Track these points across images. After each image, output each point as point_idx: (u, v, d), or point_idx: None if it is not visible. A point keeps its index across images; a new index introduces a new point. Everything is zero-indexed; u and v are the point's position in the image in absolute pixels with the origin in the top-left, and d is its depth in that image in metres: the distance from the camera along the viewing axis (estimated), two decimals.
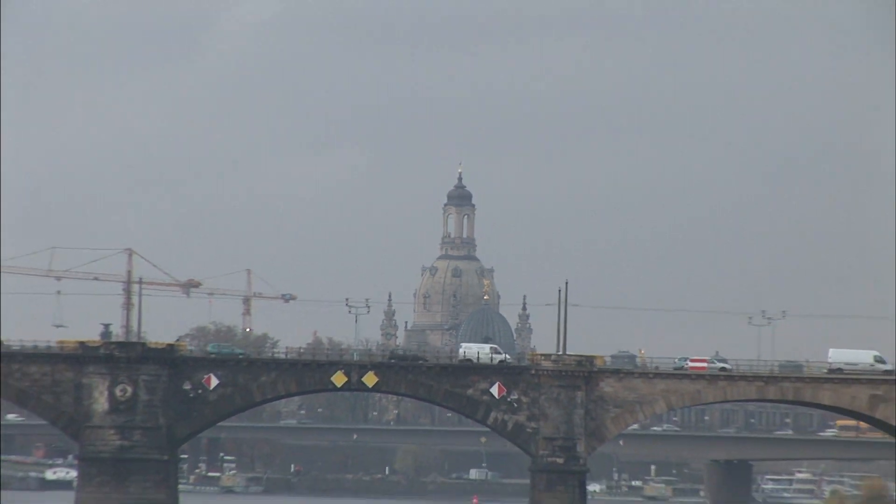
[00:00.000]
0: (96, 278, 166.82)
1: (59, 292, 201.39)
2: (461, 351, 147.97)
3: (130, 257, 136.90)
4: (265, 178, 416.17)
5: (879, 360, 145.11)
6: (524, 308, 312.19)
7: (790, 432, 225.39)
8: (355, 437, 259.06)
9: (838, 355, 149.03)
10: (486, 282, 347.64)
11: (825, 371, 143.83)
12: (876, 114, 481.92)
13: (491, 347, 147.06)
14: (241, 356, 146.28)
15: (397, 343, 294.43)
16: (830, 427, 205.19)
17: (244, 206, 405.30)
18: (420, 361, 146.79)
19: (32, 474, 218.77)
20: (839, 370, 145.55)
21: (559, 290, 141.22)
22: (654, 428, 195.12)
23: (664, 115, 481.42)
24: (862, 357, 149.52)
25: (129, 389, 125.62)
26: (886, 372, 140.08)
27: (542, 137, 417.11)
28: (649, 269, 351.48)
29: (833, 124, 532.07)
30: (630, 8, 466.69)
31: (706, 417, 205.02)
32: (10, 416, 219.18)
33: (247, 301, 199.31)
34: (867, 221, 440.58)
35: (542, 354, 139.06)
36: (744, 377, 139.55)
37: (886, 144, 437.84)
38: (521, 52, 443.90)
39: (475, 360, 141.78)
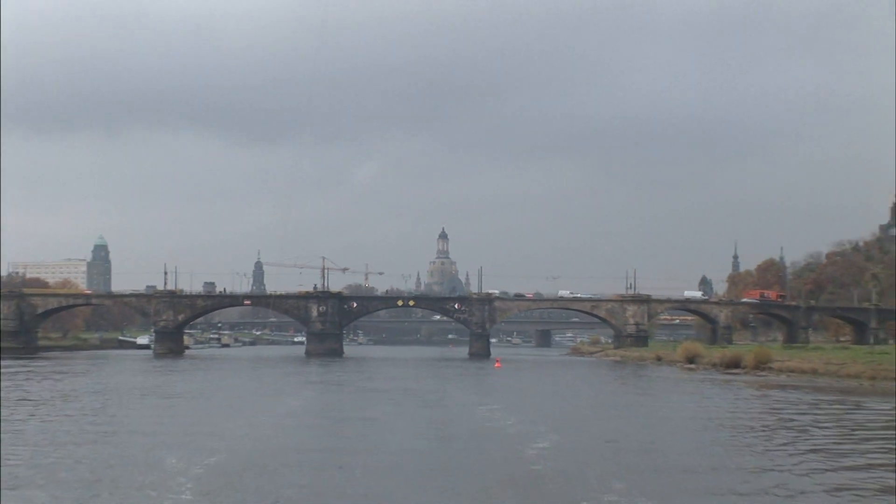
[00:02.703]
0: (310, 267, 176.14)
1: (300, 273, 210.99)
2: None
3: (324, 260, 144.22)
4: (381, 235, 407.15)
5: (704, 293, 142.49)
6: (467, 277, 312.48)
7: (566, 320, 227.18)
8: (405, 323, 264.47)
9: (689, 293, 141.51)
10: (454, 267, 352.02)
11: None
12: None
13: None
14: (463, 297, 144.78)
15: (422, 290, 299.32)
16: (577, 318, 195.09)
17: (371, 248, 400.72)
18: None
19: (289, 339, 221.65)
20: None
21: (479, 270, 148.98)
22: (513, 320, 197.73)
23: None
24: (696, 294, 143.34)
25: (324, 308, 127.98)
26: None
27: (481, 216, 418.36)
28: (520, 261, 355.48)
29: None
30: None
31: (534, 314, 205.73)
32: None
33: (366, 276, 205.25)
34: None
35: (473, 293, 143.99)
36: (547, 300, 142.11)
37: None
38: (478, 176, 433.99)
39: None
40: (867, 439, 30.25)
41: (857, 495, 19.05)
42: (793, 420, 37.03)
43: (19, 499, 18.12)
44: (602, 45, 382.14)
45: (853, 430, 33.26)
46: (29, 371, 69.49)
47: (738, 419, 38.08)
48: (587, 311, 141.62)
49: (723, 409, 43.29)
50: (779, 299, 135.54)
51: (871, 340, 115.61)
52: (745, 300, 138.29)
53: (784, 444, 28.79)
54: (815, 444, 28.69)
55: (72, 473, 21.27)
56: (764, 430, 33.37)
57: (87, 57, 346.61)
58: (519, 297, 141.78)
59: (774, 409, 43.40)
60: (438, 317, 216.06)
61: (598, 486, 19.42)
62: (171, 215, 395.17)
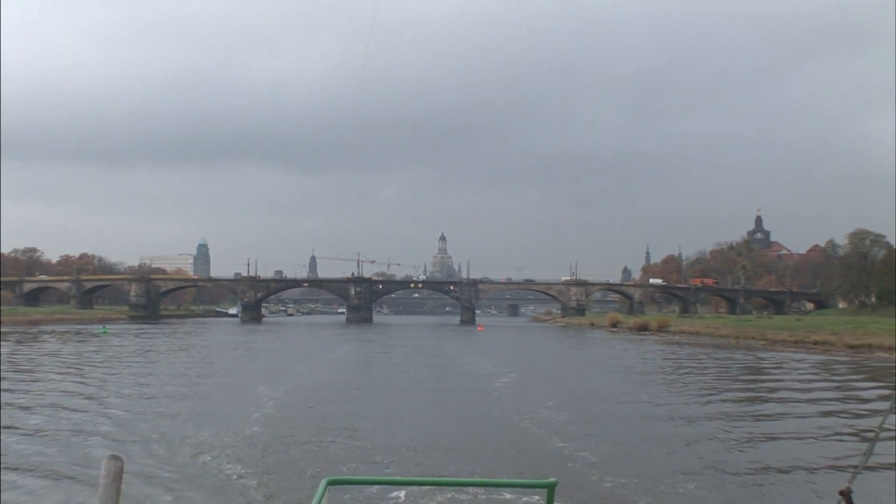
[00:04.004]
0: (349, 259, 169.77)
1: (342, 264, 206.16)
2: None
3: (358, 255, 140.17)
4: (398, 237, 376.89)
5: (625, 279, 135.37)
6: (460, 267, 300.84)
7: (528, 297, 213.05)
8: (416, 299, 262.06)
9: (653, 281, 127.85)
10: (450, 260, 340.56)
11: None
12: None
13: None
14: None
15: (427, 276, 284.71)
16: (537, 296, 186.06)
17: (391, 246, 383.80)
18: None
19: (334, 311, 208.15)
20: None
21: (468, 262, 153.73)
22: (492, 297, 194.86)
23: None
24: (658, 282, 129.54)
25: (359, 289, 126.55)
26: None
27: (469, 224, 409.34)
28: (497, 255, 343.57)
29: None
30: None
31: (507, 293, 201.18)
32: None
33: (388, 266, 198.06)
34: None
35: (464, 279, 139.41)
36: (515, 283, 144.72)
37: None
38: (473, 199, 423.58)
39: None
40: (734, 380, 30.64)
41: (727, 418, 19.41)
42: (682, 366, 37.12)
43: (160, 408, 19.39)
44: (557, 100, 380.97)
45: (725, 372, 33.72)
46: (157, 333, 70.09)
47: (643, 365, 38.61)
48: (543, 291, 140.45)
49: (634, 358, 43.37)
50: (714, 284, 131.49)
51: (739, 311, 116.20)
52: (690, 285, 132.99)
53: (676, 383, 29.00)
54: (700, 382, 28.89)
55: (197, 396, 22.36)
56: (662, 373, 33.67)
57: (192, 112, 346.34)
58: (490, 281, 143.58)
59: (670, 358, 43.81)
60: (439, 295, 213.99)
61: (537, 404, 20.65)
62: (251, 223, 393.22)
